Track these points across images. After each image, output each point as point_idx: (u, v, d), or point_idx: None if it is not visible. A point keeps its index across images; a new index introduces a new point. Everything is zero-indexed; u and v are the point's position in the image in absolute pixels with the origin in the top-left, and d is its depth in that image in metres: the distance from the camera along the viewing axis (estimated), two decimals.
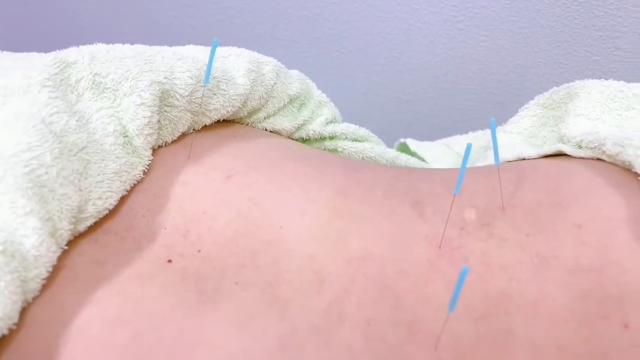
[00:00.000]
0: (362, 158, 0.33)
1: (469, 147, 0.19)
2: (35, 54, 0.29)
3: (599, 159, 0.23)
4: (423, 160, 0.40)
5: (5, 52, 0.31)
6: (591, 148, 0.23)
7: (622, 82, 0.28)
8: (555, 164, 0.24)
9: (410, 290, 0.19)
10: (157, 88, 0.22)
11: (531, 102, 0.32)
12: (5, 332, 0.16)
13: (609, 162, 0.22)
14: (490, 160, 0.31)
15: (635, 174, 0.20)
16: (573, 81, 0.30)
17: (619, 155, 0.21)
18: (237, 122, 0.29)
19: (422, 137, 0.47)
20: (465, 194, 0.23)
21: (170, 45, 0.64)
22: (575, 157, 0.24)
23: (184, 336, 0.17)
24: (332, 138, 0.33)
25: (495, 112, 0.56)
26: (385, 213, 0.22)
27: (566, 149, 0.25)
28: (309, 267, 0.20)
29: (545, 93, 0.31)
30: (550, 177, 0.23)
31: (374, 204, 0.22)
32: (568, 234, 0.19)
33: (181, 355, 0.16)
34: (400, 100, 0.59)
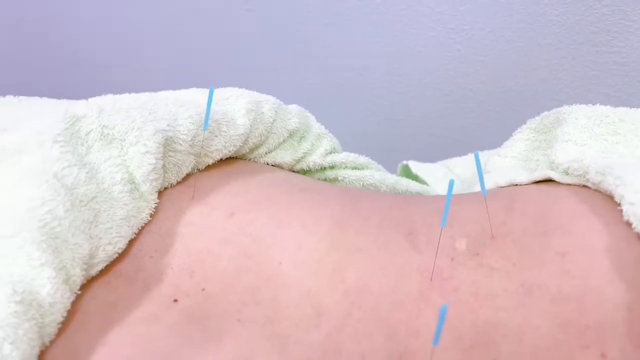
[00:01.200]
0: (363, 185, 0.34)
1: (451, 184, 0.21)
2: (46, 101, 0.31)
3: (584, 186, 0.24)
4: (424, 182, 0.41)
5: (20, 98, 0.33)
6: (577, 175, 0.24)
7: (608, 107, 0.28)
8: (544, 191, 0.25)
9: (403, 321, 0.20)
10: (161, 136, 0.24)
11: (524, 126, 0.33)
12: None
13: (594, 190, 0.23)
14: (486, 184, 0.32)
15: (617, 202, 0.21)
16: (572, 97, 0.31)
17: (601, 184, 0.22)
18: (240, 158, 0.31)
19: (425, 157, 0.48)
20: (457, 222, 0.24)
21: (171, 84, 0.67)
22: (562, 184, 0.25)
23: None
24: (332, 168, 0.34)
25: (497, 130, 0.57)
26: (380, 244, 0.23)
27: (554, 175, 0.26)
28: (308, 302, 0.21)
29: (537, 117, 0.32)
30: (538, 204, 0.24)
31: (369, 235, 0.23)
32: (552, 263, 0.20)
33: None
34: (403, 122, 0.60)
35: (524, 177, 0.28)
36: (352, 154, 0.35)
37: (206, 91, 0.30)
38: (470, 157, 0.42)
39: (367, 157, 0.36)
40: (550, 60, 0.53)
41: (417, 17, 0.54)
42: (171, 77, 0.64)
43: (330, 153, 0.34)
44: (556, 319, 0.18)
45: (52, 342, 0.19)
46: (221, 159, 0.29)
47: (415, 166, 0.43)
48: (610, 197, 0.22)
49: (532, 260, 0.21)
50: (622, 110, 0.28)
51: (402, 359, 0.19)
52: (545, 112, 0.32)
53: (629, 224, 0.19)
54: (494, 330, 0.19)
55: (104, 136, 0.23)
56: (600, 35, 0.50)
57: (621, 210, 0.20)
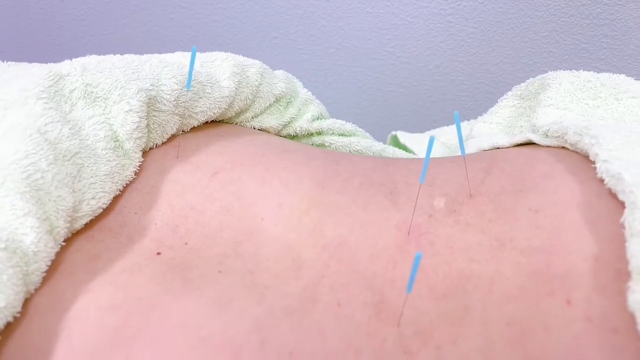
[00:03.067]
0: (349, 151, 0.34)
1: (431, 140, 0.21)
2: (35, 65, 0.31)
3: (563, 147, 0.24)
4: (412, 152, 0.41)
5: (9, 63, 0.33)
6: (556, 137, 0.24)
7: (591, 72, 0.29)
8: (524, 152, 0.25)
9: (380, 273, 0.21)
10: (144, 95, 0.24)
11: (509, 92, 0.33)
12: (11, 319, 0.18)
13: (572, 150, 0.24)
14: (470, 149, 0.32)
15: (592, 160, 0.22)
16: (562, 69, 0.31)
17: (577, 143, 0.22)
18: (226, 122, 0.31)
19: (416, 127, 0.48)
20: (438, 182, 0.24)
21: (169, 45, 0.66)
22: (542, 146, 0.25)
23: (169, 318, 0.19)
24: (319, 134, 0.35)
25: (487, 101, 0.57)
26: (360, 203, 0.23)
27: (535, 137, 0.26)
28: (288, 255, 0.22)
29: (522, 84, 0.33)
30: (517, 165, 0.24)
31: (350, 194, 0.24)
32: (525, 218, 0.20)
33: (166, 335, 0.18)
34: (394, 93, 0.60)
35: (505, 140, 0.28)
36: (339, 121, 0.35)
37: (190, 54, 0.31)
38: (453, 127, 0.43)
39: (354, 125, 0.36)
40: (541, 32, 0.53)
41: None
42: (161, 45, 0.64)
43: (317, 119, 0.34)
44: (525, 270, 0.19)
45: (37, 290, 0.19)
46: (207, 122, 0.29)
47: (403, 136, 0.44)
48: (586, 157, 0.22)
49: (507, 216, 0.21)
50: (605, 76, 0.28)
51: (378, 308, 0.19)
52: (531, 79, 0.32)
53: (601, 181, 0.20)
54: (466, 280, 0.19)
55: (88, 94, 0.23)
56: (590, 7, 0.50)
57: (595, 168, 0.21)
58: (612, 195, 0.19)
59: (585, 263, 0.18)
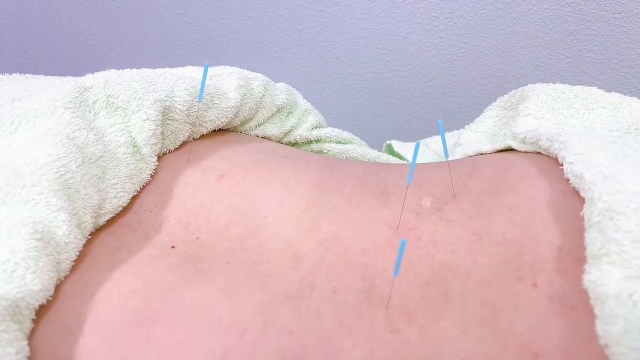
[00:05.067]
0: (346, 158, 0.37)
1: (417, 145, 0.23)
2: (56, 78, 0.34)
3: (538, 152, 0.27)
4: (405, 160, 0.44)
5: (27, 76, 0.36)
6: (531, 143, 0.27)
7: (566, 85, 0.32)
8: (502, 158, 0.28)
9: (370, 264, 0.23)
10: (160, 105, 0.27)
11: (494, 103, 0.36)
12: (44, 301, 0.20)
13: (545, 155, 0.26)
14: (457, 155, 0.35)
15: (561, 163, 0.24)
16: (548, 82, 0.34)
17: (549, 148, 0.25)
18: (232, 131, 0.34)
19: (410, 137, 0.51)
20: (425, 184, 0.27)
21: (175, 59, 0.69)
22: (520, 151, 0.28)
23: (184, 302, 0.21)
24: (317, 141, 0.37)
25: (477, 113, 0.60)
26: (354, 203, 0.26)
27: (513, 144, 0.29)
28: (288, 249, 0.24)
29: (505, 95, 0.35)
30: (496, 168, 0.27)
31: (344, 195, 0.26)
32: (500, 215, 0.23)
33: (182, 316, 0.20)
34: (389, 105, 0.63)
35: (488, 147, 0.31)
36: (336, 129, 0.38)
37: (199, 69, 0.33)
38: (446, 135, 0.45)
39: (350, 133, 0.39)
40: (528, 47, 0.56)
41: (403, 5, 0.57)
42: (167, 59, 0.67)
43: (316, 128, 0.37)
44: (499, 259, 0.21)
45: (66, 277, 0.22)
46: (215, 130, 0.32)
47: (397, 145, 0.46)
48: (556, 160, 0.25)
49: (485, 213, 0.24)
50: (578, 88, 0.31)
51: (368, 293, 0.22)
52: (513, 91, 0.35)
53: (567, 181, 0.23)
54: (447, 269, 0.22)
55: (109, 104, 0.26)
56: (574, 24, 0.53)
57: (563, 170, 0.23)
58: (576, 193, 0.22)
59: (551, 252, 0.20)
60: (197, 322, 0.20)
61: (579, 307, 0.18)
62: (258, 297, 0.21)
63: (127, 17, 0.66)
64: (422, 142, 0.46)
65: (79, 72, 0.33)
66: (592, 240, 0.19)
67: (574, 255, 0.20)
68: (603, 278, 0.17)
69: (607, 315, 0.16)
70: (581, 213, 0.20)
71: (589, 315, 0.18)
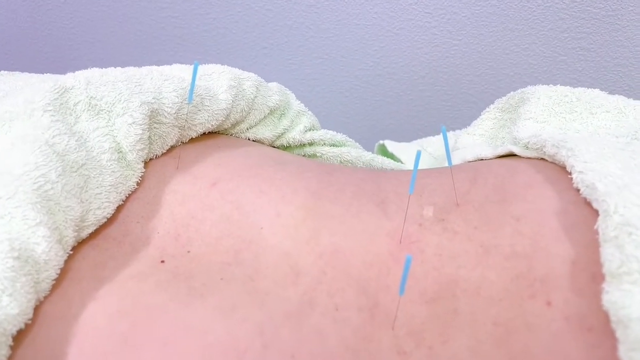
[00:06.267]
0: (340, 162, 0.36)
1: (418, 154, 0.22)
2: (34, 76, 0.31)
3: (542, 159, 0.26)
4: (400, 161, 0.43)
5: (1, 72, 0.34)
6: (535, 149, 0.26)
7: (568, 87, 0.31)
8: (506, 164, 0.27)
9: (373, 279, 0.22)
10: (147, 108, 0.25)
11: (492, 105, 0.35)
12: (22, 326, 0.18)
13: (550, 162, 0.25)
14: (455, 160, 0.34)
15: (569, 172, 0.23)
16: (541, 81, 0.33)
17: (555, 155, 0.24)
18: (222, 133, 0.32)
19: (402, 136, 0.50)
20: (426, 192, 0.26)
21: (159, 55, 0.67)
22: (523, 157, 0.27)
23: (177, 324, 0.20)
24: (311, 144, 0.36)
25: (470, 111, 0.59)
26: (353, 212, 0.25)
27: (516, 149, 0.28)
28: (286, 262, 0.23)
29: (503, 97, 0.34)
30: (499, 175, 0.26)
31: (343, 204, 0.25)
32: (508, 225, 0.22)
33: (175, 340, 0.19)
34: (380, 103, 0.62)
35: (488, 152, 0.30)
36: (330, 132, 0.36)
37: (188, 67, 0.32)
38: (439, 138, 0.44)
39: (344, 135, 0.37)
40: (521, 45, 0.55)
41: (395, 1, 0.55)
42: (151, 55, 0.65)
43: (310, 130, 0.36)
44: (509, 274, 0.20)
45: (46, 297, 0.20)
46: (204, 133, 0.30)
47: (391, 145, 0.45)
48: (563, 168, 0.24)
49: (491, 224, 0.23)
50: (580, 90, 0.30)
51: (373, 312, 0.21)
52: (512, 92, 0.34)
53: (577, 190, 0.22)
54: (454, 284, 0.21)
55: (92, 107, 0.24)
56: (568, 21, 0.52)
57: (571, 179, 0.22)
58: (587, 203, 0.21)
59: (564, 267, 0.19)
60: (191, 347, 0.19)
61: (596, 328, 0.17)
62: (256, 317, 0.20)
63: (109, 10, 0.63)
64: (417, 142, 0.45)
65: (58, 68, 0.31)
66: (610, 256, 0.18)
67: (589, 271, 0.19)
68: (624, 299, 0.16)
69: (631, 340, 0.15)
70: (595, 226, 0.19)
71: (609, 338, 0.17)
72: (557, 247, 0.20)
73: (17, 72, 0.36)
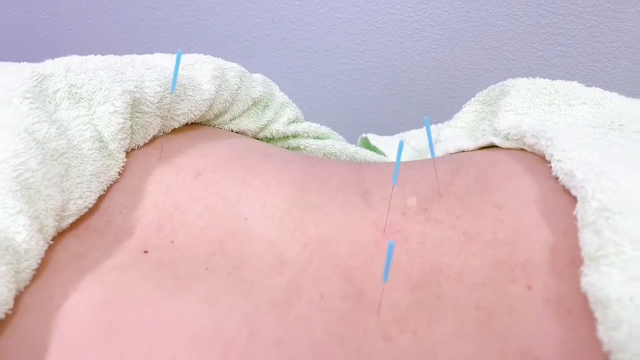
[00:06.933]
0: (324, 154, 0.36)
1: (401, 144, 0.22)
2: (10, 64, 0.31)
3: (522, 149, 0.26)
4: (383, 154, 0.43)
5: None
6: (515, 140, 0.27)
7: (547, 80, 0.31)
8: (486, 155, 0.27)
9: (358, 267, 0.22)
10: (129, 97, 0.25)
11: (472, 98, 0.36)
12: (2, 316, 0.18)
13: (530, 152, 0.26)
14: (438, 152, 0.34)
15: (548, 161, 0.24)
16: (520, 75, 0.34)
17: (535, 145, 0.25)
18: (205, 124, 0.32)
19: (384, 130, 0.50)
20: (409, 183, 0.26)
21: (138, 48, 0.66)
22: (503, 148, 0.28)
23: (162, 314, 0.19)
24: (294, 136, 0.36)
25: (450, 105, 0.60)
26: (338, 203, 0.25)
27: (496, 141, 0.28)
28: (271, 252, 0.23)
29: (484, 90, 0.35)
30: (481, 166, 0.26)
31: (327, 195, 0.25)
32: (489, 214, 0.22)
33: (160, 330, 0.19)
34: (363, 97, 0.62)
35: (470, 144, 0.30)
36: (313, 124, 0.36)
37: (171, 57, 0.31)
38: (422, 131, 0.45)
39: (328, 128, 0.37)
40: (501, 40, 0.56)
41: None
42: (130, 46, 0.64)
43: (293, 122, 0.36)
44: (491, 260, 0.21)
45: (26, 287, 0.20)
46: (187, 124, 0.30)
47: (374, 139, 0.45)
48: (542, 158, 0.24)
49: (473, 212, 0.23)
50: (559, 83, 0.31)
51: (357, 299, 0.21)
52: (492, 86, 0.34)
53: (556, 179, 0.22)
54: (438, 271, 0.21)
55: (72, 95, 0.24)
56: (547, 17, 0.53)
57: (550, 168, 0.23)
58: (566, 191, 0.21)
59: (543, 252, 0.20)
60: (177, 337, 0.19)
61: (576, 310, 0.18)
62: (242, 306, 0.20)
63: (88, 1, 0.62)
64: (400, 136, 0.45)
65: (35, 60, 0.30)
66: (588, 240, 0.18)
67: (567, 255, 0.19)
68: (602, 281, 0.17)
69: (610, 320, 0.16)
70: (574, 212, 0.20)
71: (587, 319, 0.17)
72: (537, 234, 0.21)
73: None
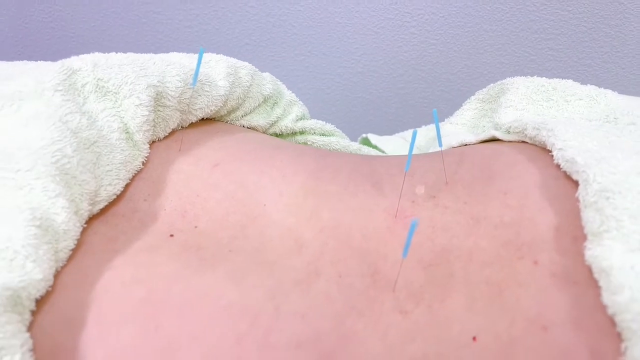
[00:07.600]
0: (330, 150, 0.37)
1: (414, 133, 0.24)
2: (32, 63, 0.32)
3: (523, 142, 0.28)
4: (383, 152, 0.44)
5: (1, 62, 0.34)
6: (516, 132, 0.28)
7: (544, 78, 0.33)
8: (489, 147, 0.29)
9: (373, 249, 0.23)
10: (153, 90, 0.26)
11: (472, 97, 0.37)
12: (44, 292, 0.19)
13: (531, 143, 0.27)
14: (438, 148, 0.36)
15: (549, 150, 0.25)
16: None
17: (536, 136, 0.26)
18: (218, 120, 0.33)
19: (382, 131, 0.51)
20: (417, 174, 0.28)
21: (139, 50, 0.67)
22: (505, 141, 0.29)
23: (190, 291, 0.21)
24: (302, 133, 0.37)
25: (446, 108, 0.62)
26: (350, 191, 0.26)
27: (498, 134, 0.30)
28: (290, 236, 0.24)
29: (484, 89, 0.37)
30: (485, 156, 0.28)
31: (340, 184, 0.27)
32: (496, 199, 0.24)
33: (190, 304, 0.20)
34: (361, 99, 0.64)
35: (472, 138, 0.32)
36: (320, 121, 0.38)
37: (186, 55, 0.33)
38: (423, 129, 0.46)
39: (333, 125, 0.39)
40: (495, 45, 0.58)
41: (376, 1, 0.57)
42: (133, 50, 0.65)
43: (301, 119, 0.37)
44: (499, 241, 0.22)
45: (62, 268, 0.21)
46: (202, 118, 0.31)
47: (374, 138, 0.47)
48: (543, 148, 0.26)
49: (479, 198, 0.24)
50: (555, 81, 0.33)
51: (374, 277, 0.22)
52: (491, 84, 0.36)
53: (557, 166, 0.24)
54: (448, 252, 0.22)
55: (99, 88, 0.25)
56: (538, 23, 0.56)
57: (552, 157, 0.24)
58: (567, 177, 0.23)
59: (548, 232, 0.21)
60: (207, 310, 0.20)
61: (581, 281, 0.19)
62: (266, 284, 0.21)
63: (90, 4, 0.63)
64: (399, 135, 0.47)
65: None
66: (590, 219, 0.20)
67: (570, 234, 0.21)
68: (605, 253, 0.18)
69: (613, 286, 0.17)
70: (576, 195, 0.21)
71: (592, 288, 0.19)
72: (542, 216, 0.22)
73: (18, 61, 0.36)
